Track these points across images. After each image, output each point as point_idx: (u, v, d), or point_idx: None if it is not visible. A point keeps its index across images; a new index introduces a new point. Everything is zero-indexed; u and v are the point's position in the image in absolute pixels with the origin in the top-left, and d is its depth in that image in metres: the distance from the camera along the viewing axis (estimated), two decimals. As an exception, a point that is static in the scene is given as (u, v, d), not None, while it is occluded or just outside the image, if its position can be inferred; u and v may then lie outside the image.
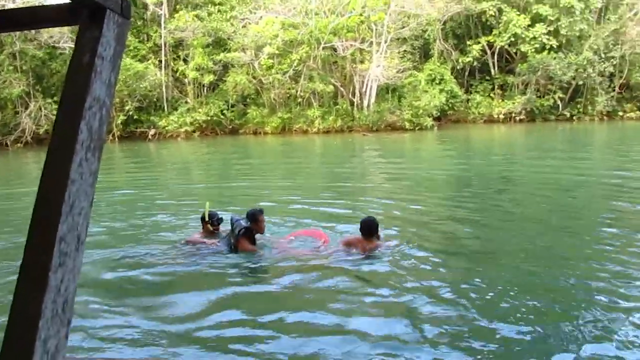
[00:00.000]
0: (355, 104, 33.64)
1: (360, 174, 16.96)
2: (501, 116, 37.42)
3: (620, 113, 38.77)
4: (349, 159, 21.85)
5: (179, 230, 8.85)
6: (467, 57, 37.54)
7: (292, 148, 27.29)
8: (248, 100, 33.84)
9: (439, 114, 34.93)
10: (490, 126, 35.94)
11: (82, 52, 1.60)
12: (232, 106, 33.68)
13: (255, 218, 7.38)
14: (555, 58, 36.06)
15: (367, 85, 33.16)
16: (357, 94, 33.62)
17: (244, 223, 7.33)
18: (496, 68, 38.74)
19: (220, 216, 8.04)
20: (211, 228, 7.92)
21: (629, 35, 37.24)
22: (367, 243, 7.08)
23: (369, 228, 7.08)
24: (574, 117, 38.20)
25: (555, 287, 5.91)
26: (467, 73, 39.15)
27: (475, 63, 38.09)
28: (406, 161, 20.76)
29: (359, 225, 7.17)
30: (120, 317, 5.44)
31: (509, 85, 38.51)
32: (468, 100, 38.25)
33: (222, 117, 33.03)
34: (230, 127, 33.63)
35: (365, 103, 33.31)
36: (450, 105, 36.23)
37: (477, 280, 6.14)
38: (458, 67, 38.16)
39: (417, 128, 32.59)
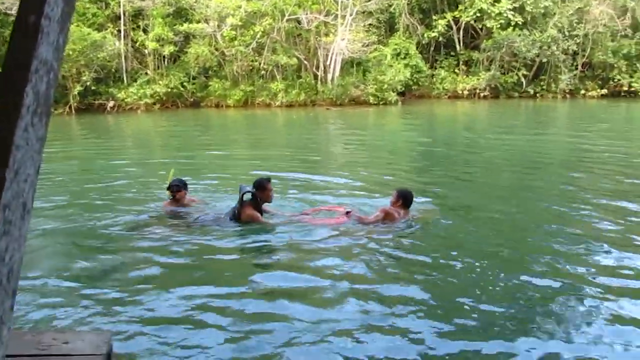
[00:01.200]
0: (319, 77, 34.24)
1: (325, 146, 17.56)
2: (465, 92, 38.57)
3: (583, 92, 40.30)
4: (313, 131, 22.51)
5: (144, 202, 8.72)
6: (433, 32, 38.47)
7: (254, 121, 27.73)
8: (210, 72, 34.07)
9: (403, 89, 35.71)
10: (454, 102, 37.01)
11: (28, 12, 1.53)
12: (194, 78, 33.93)
13: (262, 186, 7.15)
14: (520, 35, 37.18)
15: (331, 58, 33.75)
16: (321, 67, 34.20)
17: (250, 191, 7.13)
18: (461, 44, 39.72)
19: (182, 181, 7.88)
20: (169, 195, 7.80)
21: (592, 14, 38.66)
22: (405, 213, 7.27)
23: (408, 199, 7.28)
24: (537, 95, 39.58)
25: (514, 255, 6.32)
26: (432, 48, 40.09)
27: (440, 38, 39.01)
28: (371, 134, 21.45)
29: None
30: (76, 290, 5.23)
31: (473, 61, 39.62)
32: (433, 75, 39.27)
33: (183, 89, 33.23)
34: (192, 99, 33.86)
35: (329, 77, 33.91)
36: (415, 80, 37.12)
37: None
38: (423, 42, 39.09)
39: (381, 103, 33.42)
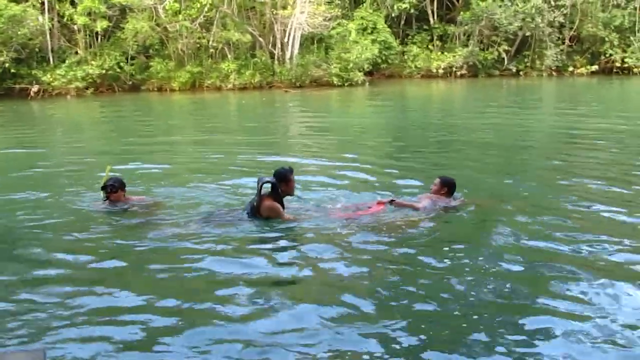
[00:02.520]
0: (276, 56, 32.65)
1: (283, 132, 17.02)
2: (440, 70, 37.27)
3: (571, 68, 38.98)
4: (269, 116, 21.25)
5: (76, 200, 8.01)
6: (404, 3, 36.70)
7: (203, 106, 26.19)
8: (151, 51, 32.39)
9: (370, 67, 34.33)
10: (429, 81, 35.69)
11: None
12: (132, 58, 32.16)
13: (285, 177, 6.80)
14: (501, 6, 35.91)
15: (289, 34, 32.09)
16: (279, 44, 32.52)
17: (270, 179, 6.79)
18: (435, 16, 38.45)
19: (119, 180, 7.47)
20: (104, 196, 7.36)
21: (581, -19, 37.19)
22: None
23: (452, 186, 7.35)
24: (521, 72, 38.34)
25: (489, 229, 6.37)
26: (402, 22, 38.72)
27: (412, 10, 37.48)
28: (336, 119, 20.41)
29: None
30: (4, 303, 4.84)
31: (449, 36, 38.35)
32: (404, 52, 37.89)
33: (119, 71, 31.47)
34: (130, 83, 32.20)
35: (288, 55, 32.31)
36: (383, 57, 35.74)
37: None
38: (393, 15, 37.52)
39: (346, 84, 31.92)
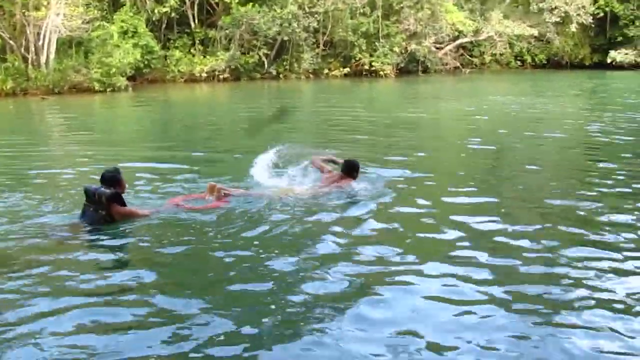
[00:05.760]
0: (30, 60, 31.84)
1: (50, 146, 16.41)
2: (204, 74, 39.03)
3: (326, 71, 43.40)
4: (24, 127, 20.75)
5: None
6: (164, 6, 37.81)
7: None
8: None
9: (133, 72, 35.04)
10: (192, 85, 37.41)
11: None
12: None
13: (117, 180, 7.56)
14: (259, 11, 38.51)
15: (44, 37, 31.57)
16: (32, 48, 31.85)
17: (106, 189, 7.36)
18: (196, 21, 40.02)
19: None
20: None
21: (332, -10, 41.27)
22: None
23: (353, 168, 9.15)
24: (281, 75, 41.57)
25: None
26: (164, 26, 39.70)
27: (173, 14, 38.69)
28: (99, 125, 21.13)
29: None
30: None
31: (210, 40, 40.16)
32: (166, 56, 38.98)
33: None
34: None
35: (43, 60, 31.75)
36: (146, 62, 36.56)
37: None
38: (154, 19, 38.40)
39: (108, 89, 32.21)
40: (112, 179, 7.51)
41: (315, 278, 5.79)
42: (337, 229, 7.25)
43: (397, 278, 5.79)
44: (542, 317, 5.00)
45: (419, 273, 5.92)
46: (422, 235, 7.19)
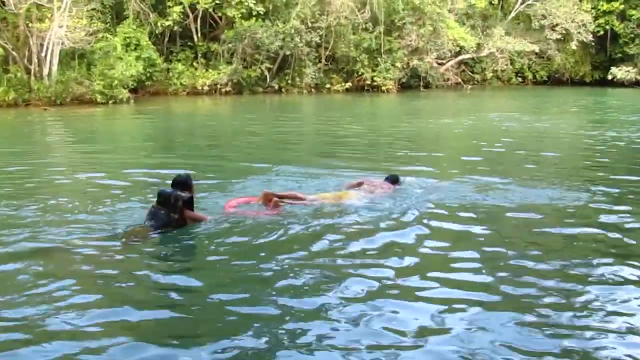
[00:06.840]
0: (32, 72, 31.95)
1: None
2: (206, 88, 39.11)
3: (328, 86, 43.48)
4: (26, 138, 20.78)
5: None
6: (167, 20, 38.09)
7: None
8: None
9: (135, 85, 35.11)
10: (194, 98, 37.41)
11: None
12: None
13: (189, 185, 7.80)
14: (262, 26, 38.66)
15: (47, 49, 31.71)
16: (35, 59, 31.97)
17: (182, 193, 7.57)
18: (199, 34, 40.13)
19: None
20: None
21: (334, 6, 41.55)
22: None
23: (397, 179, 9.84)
24: (283, 89, 41.67)
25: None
26: (167, 39, 39.95)
27: (176, 27, 38.90)
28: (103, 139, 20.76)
29: None
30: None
31: (213, 53, 40.29)
32: (169, 69, 39.14)
33: None
34: None
35: (46, 71, 31.89)
36: (148, 74, 36.65)
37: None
38: (157, 32, 38.65)
39: (110, 101, 32.26)
40: (185, 182, 7.76)
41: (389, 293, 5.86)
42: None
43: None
44: (553, 328, 5.06)
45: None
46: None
